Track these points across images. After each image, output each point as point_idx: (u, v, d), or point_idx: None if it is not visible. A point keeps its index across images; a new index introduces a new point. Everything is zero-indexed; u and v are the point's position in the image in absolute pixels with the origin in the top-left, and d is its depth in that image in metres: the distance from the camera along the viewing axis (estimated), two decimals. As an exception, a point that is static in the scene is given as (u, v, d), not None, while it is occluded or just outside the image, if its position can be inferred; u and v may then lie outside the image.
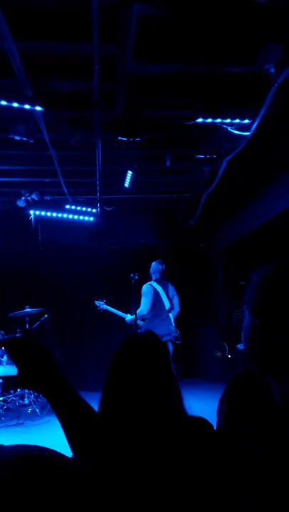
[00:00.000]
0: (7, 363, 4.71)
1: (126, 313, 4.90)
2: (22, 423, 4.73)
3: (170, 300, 4.84)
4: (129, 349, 1.02)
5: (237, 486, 0.76)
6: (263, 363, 0.83)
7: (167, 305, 4.78)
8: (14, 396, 5.05)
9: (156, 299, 4.64)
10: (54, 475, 0.77)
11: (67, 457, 0.85)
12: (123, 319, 4.94)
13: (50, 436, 4.22)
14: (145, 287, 4.75)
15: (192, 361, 6.73)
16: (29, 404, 5.09)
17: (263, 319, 0.83)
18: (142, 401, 0.95)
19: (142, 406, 0.95)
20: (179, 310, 4.90)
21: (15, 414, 4.86)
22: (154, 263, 4.88)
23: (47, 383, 0.89)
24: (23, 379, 0.89)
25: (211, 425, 0.99)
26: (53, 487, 0.75)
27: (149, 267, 5.00)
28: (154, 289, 4.62)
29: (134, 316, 4.67)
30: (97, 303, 5.34)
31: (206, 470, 0.85)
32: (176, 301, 4.91)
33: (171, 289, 4.93)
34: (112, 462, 0.85)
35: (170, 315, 4.78)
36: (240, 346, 6.59)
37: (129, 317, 4.82)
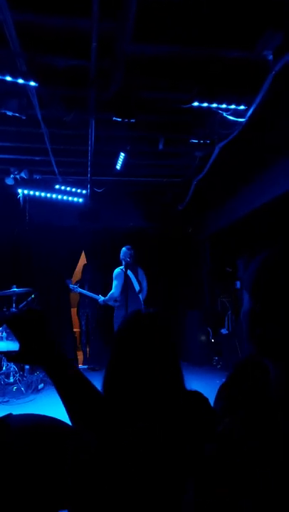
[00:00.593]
0: (7, 339, 4.73)
1: (98, 294, 5.52)
2: (7, 401, 4.77)
3: (140, 283, 5.32)
4: (133, 327, 1.04)
5: (234, 477, 0.76)
6: (261, 346, 0.84)
7: (137, 287, 5.27)
8: (-1, 374, 5.07)
9: (126, 283, 5.01)
10: (58, 442, 0.80)
11: (70, 426, 0.88)
12: (96, 300, 5.56)
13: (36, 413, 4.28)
14: (116, 271, 5.21)
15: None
16: (14, 383, 5.12)
17: (260, 305, 0.83)
18: (145, 378, 0.98)
19: (144, 383, 0.98)
20: (146, 292, 5.43)
21: (0, 393, 4.90)
22: (123, 249, 5.23)
23: (48, 359, 0.91)
24: (25, 354, 0.91)
25: (206, 398, 1.04)
26: (57, 453, 0.78)
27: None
28: (125, 274, 4.96)
29: (106, 297, 5.30)
30: (71, 286, 6.06)
31: (202, 452, 0.88)
32: (144, 284, 5.43)
33: (140, 272, 5.43)
34: (112, 436, 0.88)
35: (140, 296, 5.29)
36: (223, 331, 6.74)
37: (101, 298, 5.39)
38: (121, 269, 5.10)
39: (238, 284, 6.68)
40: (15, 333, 0.90)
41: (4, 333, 4.72)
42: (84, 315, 6.78)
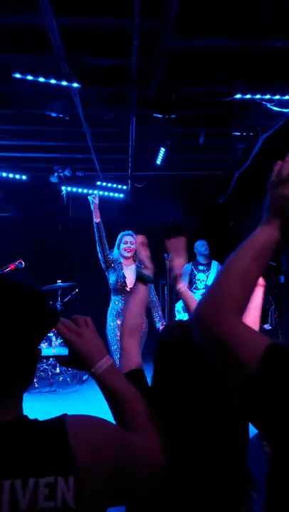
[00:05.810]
0: (60, 345, 5.04)
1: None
2: (54, 390, 5.01)
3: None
4: (174, 342, 1.05)
5: None
6: None
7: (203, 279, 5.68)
8: (47, 365, 5.30)
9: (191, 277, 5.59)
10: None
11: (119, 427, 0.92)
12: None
13: (80, 403, 4.48)
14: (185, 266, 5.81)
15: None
16: (60, 373, 5.34)
17: None
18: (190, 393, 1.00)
19: (189, 397, 1.00)
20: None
21: (48, 382, 5.13)
22: (196, 243, 5.60)
23: (94, 367, 0.95)
24: (73, 360, 0.96)
25: None
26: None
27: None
28: (192, 268, 5.56)
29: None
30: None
31: None
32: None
33: (214, 264, 5.75)
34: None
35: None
36: (266, 326, 6.59)
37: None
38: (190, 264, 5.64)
39: (282, 279, 6.49)
40: (64, 339, 0.96)
41: (58, 340, 5.01)
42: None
